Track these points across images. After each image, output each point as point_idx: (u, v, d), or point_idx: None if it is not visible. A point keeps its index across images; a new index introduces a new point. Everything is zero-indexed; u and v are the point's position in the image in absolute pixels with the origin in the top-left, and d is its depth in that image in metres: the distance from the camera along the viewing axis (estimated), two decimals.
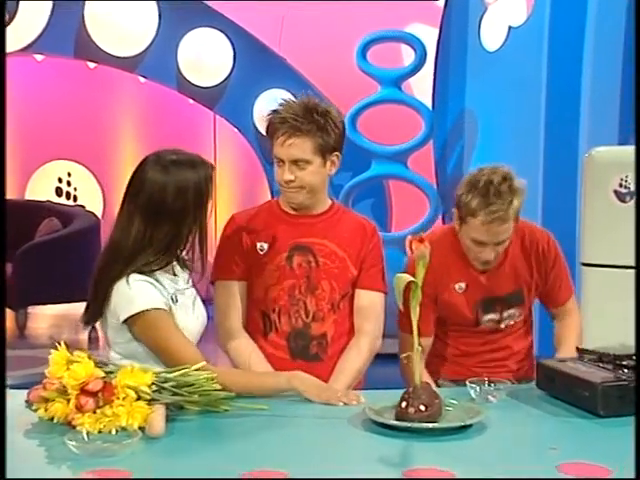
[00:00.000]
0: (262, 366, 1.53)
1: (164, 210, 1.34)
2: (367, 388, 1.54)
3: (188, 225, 1.36)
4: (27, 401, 1.24)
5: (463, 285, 1.61)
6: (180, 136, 4.80)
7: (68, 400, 1.16)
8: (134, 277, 1.34)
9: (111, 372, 1.21)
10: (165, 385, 1.21)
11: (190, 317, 1.41)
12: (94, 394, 1.13)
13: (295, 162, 1.49)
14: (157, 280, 1.36)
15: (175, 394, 1.22)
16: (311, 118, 1.47)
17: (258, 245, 1.56)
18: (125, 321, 1.34)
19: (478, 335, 1.66)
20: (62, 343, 1.22)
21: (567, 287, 1.69)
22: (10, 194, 4.59)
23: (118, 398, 1.15)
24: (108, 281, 1.35)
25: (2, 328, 1.50)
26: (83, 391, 1.14)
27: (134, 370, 1.19)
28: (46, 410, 1.18)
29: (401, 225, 4.30)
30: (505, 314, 1.65)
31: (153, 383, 1.20)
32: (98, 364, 1.22)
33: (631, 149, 1.94)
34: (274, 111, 1.51)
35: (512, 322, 1.66)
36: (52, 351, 1.22)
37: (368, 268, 1.58)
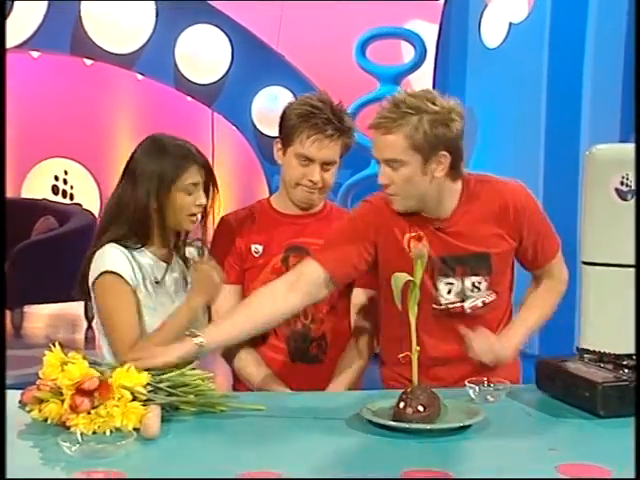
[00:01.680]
0: (258, 367, 1.52)
1: (126, 170, 1.44)
2: (365, 388, 1.53)
3: (146, 192, 1.40)
4: (21, 402, 1.23)
5: None
6: (178, 133, 4.77)
7: (62, 401, 1.14)
8: (110, 245, 1.41)
9: (105, 372, 1.19)
10: (160, 385, 1.20)
11: (172, 306, 1.43)
12: (90, 393, 1.12)
13: (326, 163, 1.49)
14: (134, 257, 1.41)
15: (171, 394, 1.21)
16: (343, 119, 1.48)
17: (253, 247, 1.54)
18: (93, 287, 1.40)
19: (440, 319, 1.39)
20: (56, 344, 1.22)
21: (549, 246, 1.45)
22: (6, 192, 4.58)
23: (113, 398, 1.13)
24: (90, 251, 1.43)
25: (2, 329, 1.51)
26: (78, 390, 1.12)
27: (129, 370, 1.17)
28: (40, 411, 1.16)
29: None
30: (467, 282, 1.38)
31: (148, 383, 1.18)
32: (92, 364, 1.21)
33: (632, 147, 1.93)
34: (305, 111, 1.46)
35: (479, 303, 1.40)
36: (46, 352, 1.20)
37: None
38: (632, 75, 2.55)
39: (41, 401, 1.16)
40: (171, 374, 1.23)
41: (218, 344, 1.36)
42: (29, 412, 1.18)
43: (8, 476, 0.98)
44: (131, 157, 1.45)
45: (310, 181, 1.49)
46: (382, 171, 1.34)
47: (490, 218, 1.40)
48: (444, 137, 1.32)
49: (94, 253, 1.41)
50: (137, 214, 1.42)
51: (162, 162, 1.40)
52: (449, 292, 1.41)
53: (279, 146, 1.53)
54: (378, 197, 1.44)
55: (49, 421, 1.15)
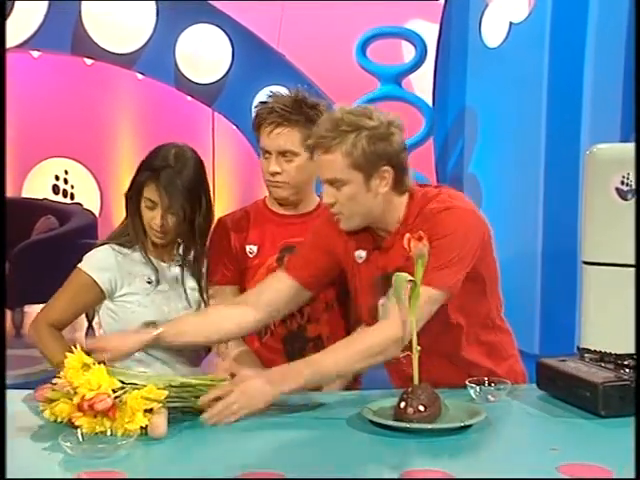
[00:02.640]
0: (255, 368, 1.50)
1: None
2: (365, 388, 1.53)
3: (130, 195, 1.47)
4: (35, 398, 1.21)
5: (363, 254, 1.37)
6: (178, 133, 4.77)
7: (72, 399, 1.13)
8: (104, 247, 1.48)
9: (124, 382, 1.16)
10: (181, 395, 1.19)
11: (165, 303, 1.46)
12: (99, 412, 1.10)
13: (282, 154, 1.46)
14: (126, 256, 1.47)
15: (185, 399, 1.20)
16: (300, 109, 1.45)
17: (247, 248, 1.54)
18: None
19: None
20: (77, 346, 1.22)
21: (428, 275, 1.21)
22: (7, 192, 4.57)
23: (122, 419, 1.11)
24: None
25: (2, 329, 1.52)
26: (89, 406, 1.11)
27: (148, 389, 1.15)
28: (51, 410, 1.15)
29: None
30: None
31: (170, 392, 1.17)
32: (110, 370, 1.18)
33: (633, 146, 1.93)
34: (261, 102, 1.49)
35: None
36: (67, 354, 1.19)
37: None
38: (632, 75, 2.55)
39: (52, 401, 1.16)
40: (194, 381, 1.21)
41: (172, 341, 1.37)
42: (42, 411, 1.17)
43: (8, 476, 0.98)
44: None
45: (270, 173, 1.47)
46: (325, 191, 1.31)
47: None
48: (384, 152, 1.28)
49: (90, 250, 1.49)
50: (127, 211, 1.49)
51: (140, 171, 1.46)
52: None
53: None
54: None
55: (59, 420, 1.14)
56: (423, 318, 1.24)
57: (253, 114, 1.51)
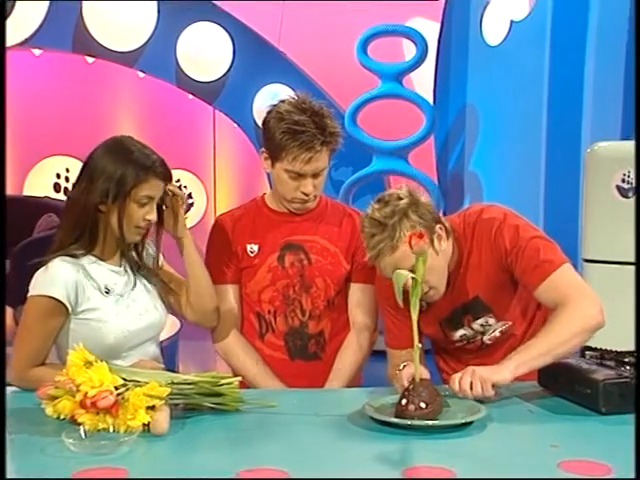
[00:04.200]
0: (256, 365, 1.52)
1: (84, 168, 1.36)
2: (366, 385, 1.53)
3: (101, 193, 1.33)
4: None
5: (424, 304, 1.41)
6: (179, 131, 4.79)
7: (74, 396, 1.14)
8: (56, 260, 1.34)
9: (126, 380, 1.16)
10: (185, 392, 1.19)
11: (125, 313, 1.37)
12: (101, 409, 1.11)
13: (317, 173, 1.48)
14: (82, 268, 1.34)
15: (188, 396, 1.20)
16: (326, 127, 1.44)
17: (248, 247, 1.54)
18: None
19: (471, 353, 1.47)
20: (80, 344, 1.19)
21: (535, 261, 1.34)
22: (8, 190, 4.58)
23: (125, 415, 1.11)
24: (41, 262, 1.36)
25: (2, 328, 1.49)
26: (92, 403, 1.11)
27: (150, 386, 1.14)
28: (53, 407, 1.16)
29: None
30: (475, 325, 1.44)
31: (172, 388, 1.17)
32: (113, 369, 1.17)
33: (634, 144, 1.93)
34: (285, 132, 1.43)
35: (497, 333, 1.44)
36: (69, 351, 1.19)
37: (360, 261, 1.55)
38: (633, 72, 2.55)
39: (54, 398, 1.16)
40: (199, 379, 1.21)
41: None
42: (44, 408, 1.17)
43: (8, 476, 0.98)
44: (91, 155, 1.37)
45: (303, 193, 1.48)
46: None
47: (481, 256, 1.41)
48: (431, 213, 1.36)
49: (40, 266, 1.34)
50: (87, 214, 1.35)
51: (125, 167, 1.33)
52: (464, 338, 1.47)
53: (266, 155, 1.50)
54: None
55: (62, 417, 1.14)
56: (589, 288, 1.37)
57: (273, 137, 1.44)
